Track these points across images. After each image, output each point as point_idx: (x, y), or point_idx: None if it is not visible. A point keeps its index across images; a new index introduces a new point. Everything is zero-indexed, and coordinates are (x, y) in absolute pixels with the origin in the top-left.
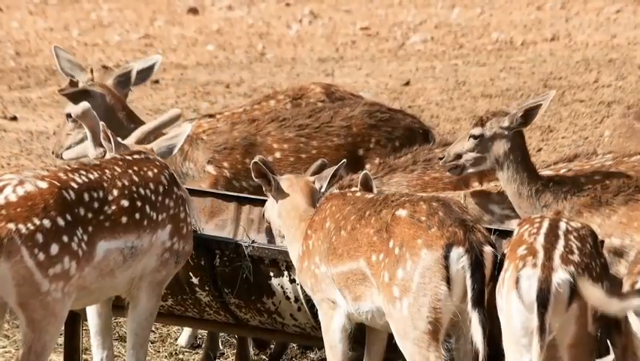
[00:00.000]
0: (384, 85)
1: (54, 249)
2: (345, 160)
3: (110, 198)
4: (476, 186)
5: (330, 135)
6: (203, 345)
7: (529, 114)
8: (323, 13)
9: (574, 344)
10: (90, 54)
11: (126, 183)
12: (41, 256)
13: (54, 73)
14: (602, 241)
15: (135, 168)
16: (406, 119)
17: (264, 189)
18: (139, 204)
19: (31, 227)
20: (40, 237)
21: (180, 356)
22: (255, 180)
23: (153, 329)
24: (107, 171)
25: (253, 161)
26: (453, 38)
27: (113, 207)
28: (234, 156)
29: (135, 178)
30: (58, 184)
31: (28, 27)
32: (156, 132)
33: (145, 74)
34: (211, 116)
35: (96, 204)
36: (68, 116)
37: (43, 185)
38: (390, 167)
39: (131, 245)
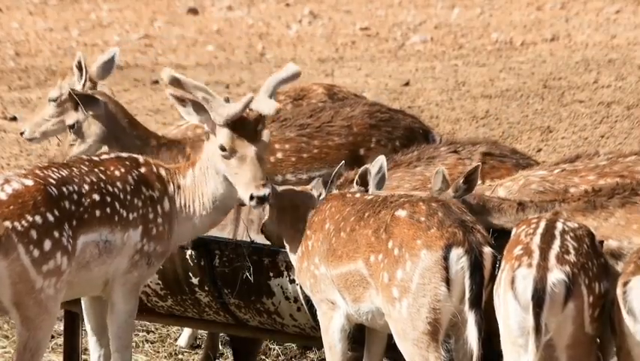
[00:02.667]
0: (384, 85)
1: (47, 245)
2: (343, 162)
3: (84, 191)
4: (479, 184)
5: (331, 135)
6: (202, 345)
7: (470, 180)
8: (323, 14)
9: (571, 344)
10: (90, 54)
11: (94, 179)
12: (36, 253)
13: (54, 73)
14: (602, 242)
15: (101, 168)
16: (406, 119)
17: None
18: (108, 199)
19: (26, 224)
20: (34, 233)
21: (180, 356)
22: None
23: (153, 329)
24: (74, 169)
25: None
26: (453, 39)
27: (88, 200)
28: None
29: (101, 176)
30: (42, 181)
31: (28, 27)
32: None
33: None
34: None
35: (75, 196)
36: (52, 100)
37: (29, 182)
38: (395, 162)
39: (105, 239)
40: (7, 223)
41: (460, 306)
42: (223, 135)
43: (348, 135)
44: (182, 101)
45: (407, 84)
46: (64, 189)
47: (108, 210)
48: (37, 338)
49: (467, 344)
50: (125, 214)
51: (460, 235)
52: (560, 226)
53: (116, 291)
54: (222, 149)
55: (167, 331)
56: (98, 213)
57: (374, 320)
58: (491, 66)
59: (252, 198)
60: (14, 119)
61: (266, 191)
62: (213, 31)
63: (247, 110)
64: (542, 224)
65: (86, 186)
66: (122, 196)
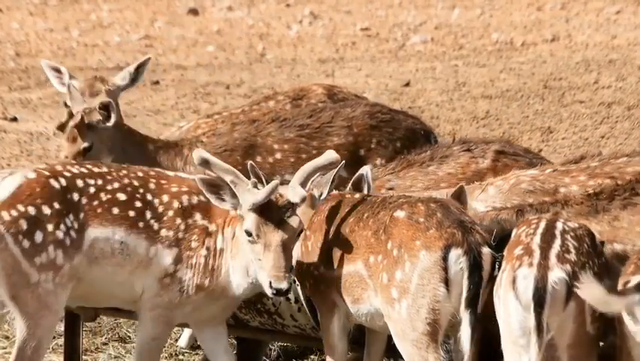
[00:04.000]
0: (385, 86)
1: (38, 236)
2: (344, 161)
3: (109, 188)
4: (491, 181)
5: (331, 136)
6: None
7: None
8: (323, 14)
9: (573, 344)
10: (90, 55)
11: (135, 183)
12: (26, 244)
13: None
14: (602, 242)
15: (161, 181)
16: (408, 119)
17: None
18: (138, 204)
19: (15, 213)
20: (23, 223)
21: (180, 356)
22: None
23: None
24: (123, 170)
25: (250, 163)
26: (453, 39)
27: (109, 196)
28: (234, 158)
29: (150, 186)
30: (47, 174)
31: (28, 28)
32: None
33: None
34: (209, 116)
35: (92, 190)
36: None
37: (32, 175)
38: (408, 161)
39: (120, 239)
40: None
41: (459, 307)
42: (249, 220)
43: (348, 136)
44: (212, 186)
45: (407, 85)
46: (81, 181)
47: (131, 213)
48: (37, 335)
49: (460, 344)
50: (155, 227)
51: (459, 235)
52: (560, 225)
53: (144, 313)
54: (248, 234)
55: None
56: (115, 210)
57: (373, 320)
58: (491, 67)
59: (270, 286)
60: (14, 119)
61: (284, 285)
62: (213, 32)
63: (277, 195)
64: (542, 224)
65: (116, 184)
66: (160, 209)
